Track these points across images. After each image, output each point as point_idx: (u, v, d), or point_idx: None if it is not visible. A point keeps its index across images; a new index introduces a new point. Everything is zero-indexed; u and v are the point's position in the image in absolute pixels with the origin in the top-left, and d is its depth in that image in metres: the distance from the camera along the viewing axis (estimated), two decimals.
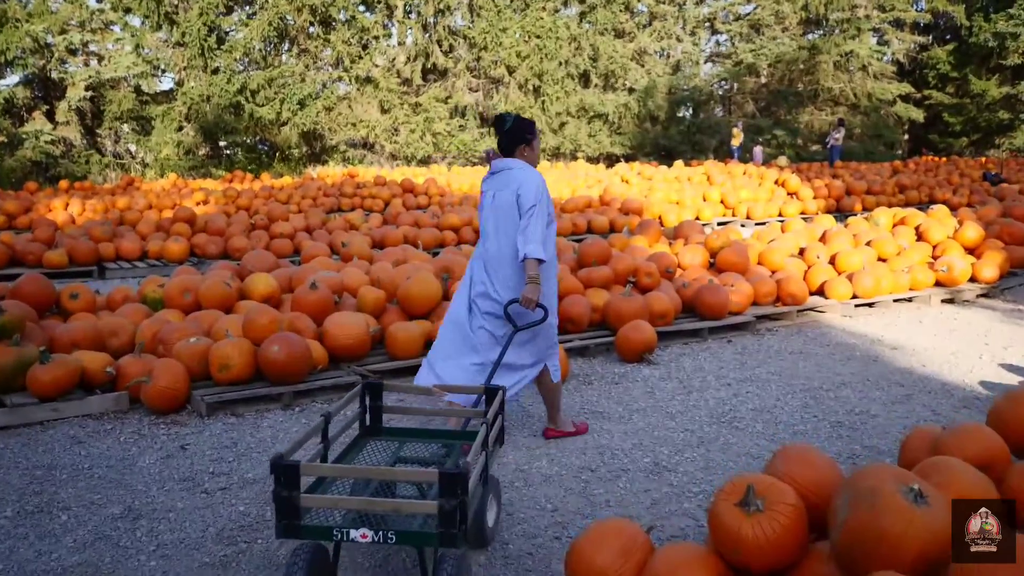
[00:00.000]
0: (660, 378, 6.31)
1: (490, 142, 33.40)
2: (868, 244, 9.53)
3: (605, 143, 34.22)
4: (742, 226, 15.66)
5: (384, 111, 32.41)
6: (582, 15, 34.78)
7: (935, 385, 6.06)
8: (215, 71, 29.94)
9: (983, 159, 29.39)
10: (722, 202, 16.30)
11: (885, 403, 5.66)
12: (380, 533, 2.78)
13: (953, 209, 15.71)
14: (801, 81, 35.58)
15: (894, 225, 10.65)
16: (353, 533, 2.79)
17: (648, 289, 7.68)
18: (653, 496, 4.22)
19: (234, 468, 4.66)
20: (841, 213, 16.13)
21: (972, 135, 36.55)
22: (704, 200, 16.27)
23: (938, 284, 9.03)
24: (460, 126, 33.26)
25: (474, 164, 30.55)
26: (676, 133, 35.16)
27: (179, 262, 11.48)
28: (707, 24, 37.65)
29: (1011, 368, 6.45)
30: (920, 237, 9.96)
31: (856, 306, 8.47)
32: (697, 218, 15.21)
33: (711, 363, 6.74)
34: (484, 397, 3.73)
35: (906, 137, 39.86)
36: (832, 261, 9.03)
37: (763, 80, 36.85)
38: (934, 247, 9.63)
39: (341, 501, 2.85)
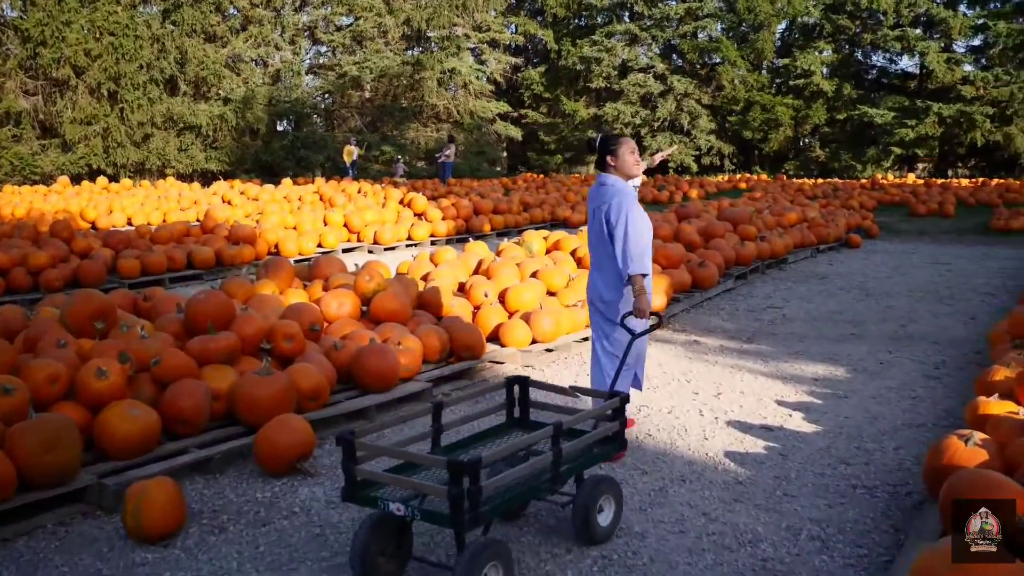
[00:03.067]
0: (328, 503, 4.23)
1: (53, 156, 28.24)
2: (534, 275, 8.23)
3: (199, 158, 30.84)
4: (370, 252, 14.01)
5: None
6: (165, 13, 30.99)
7: (680, 468, 4.73)
8: None
9: (577, 175, 31.05)
10: (346, 226, 14.46)
11: (639, 508, 4.17)
12: (409, 509, 3.04)
13: (574, 227, 15.54)
14: (405, 97, 35.20)
15: (548, 250, 9.60)
16: (391, 506, 3.08)
17: (289, 358, 5.55)
18: None
19: None
20: (471, 234, 15.12)
21: (565, 153, 39.07)
22: (325, 224, 14.31)
23: None
24: (14, 136, 27.70)
25: (33, 183, 25.25)
26: (279, 148, 32.89)
27: None
28: (307, 33, 35.82)
29: (742, 427, 5.41)
30: (580, 263, 8.98)
31: (537, 353, 7.08)
32: (320, 245, 13.24)
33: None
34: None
35: (505, 154, 41.47)
36: (502, 299, 7.60)
37: (368, 95, 35.86)
38: None
39: (382, 477, 3.14)
